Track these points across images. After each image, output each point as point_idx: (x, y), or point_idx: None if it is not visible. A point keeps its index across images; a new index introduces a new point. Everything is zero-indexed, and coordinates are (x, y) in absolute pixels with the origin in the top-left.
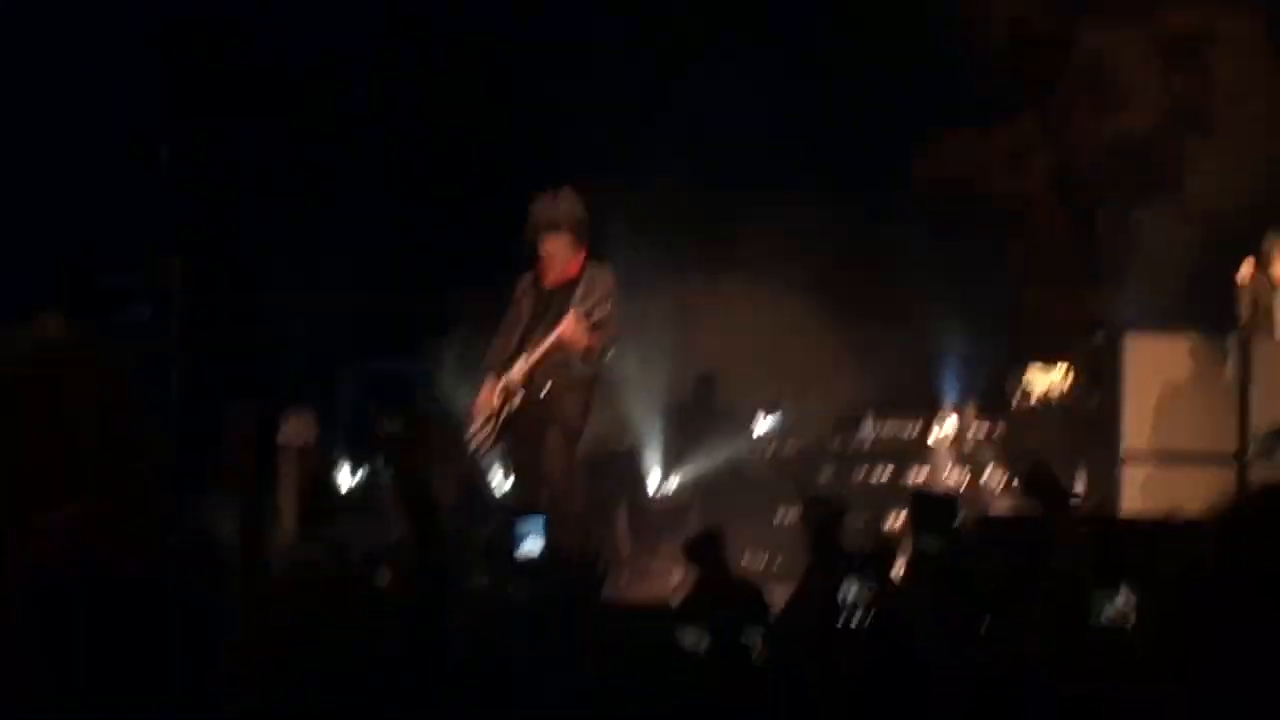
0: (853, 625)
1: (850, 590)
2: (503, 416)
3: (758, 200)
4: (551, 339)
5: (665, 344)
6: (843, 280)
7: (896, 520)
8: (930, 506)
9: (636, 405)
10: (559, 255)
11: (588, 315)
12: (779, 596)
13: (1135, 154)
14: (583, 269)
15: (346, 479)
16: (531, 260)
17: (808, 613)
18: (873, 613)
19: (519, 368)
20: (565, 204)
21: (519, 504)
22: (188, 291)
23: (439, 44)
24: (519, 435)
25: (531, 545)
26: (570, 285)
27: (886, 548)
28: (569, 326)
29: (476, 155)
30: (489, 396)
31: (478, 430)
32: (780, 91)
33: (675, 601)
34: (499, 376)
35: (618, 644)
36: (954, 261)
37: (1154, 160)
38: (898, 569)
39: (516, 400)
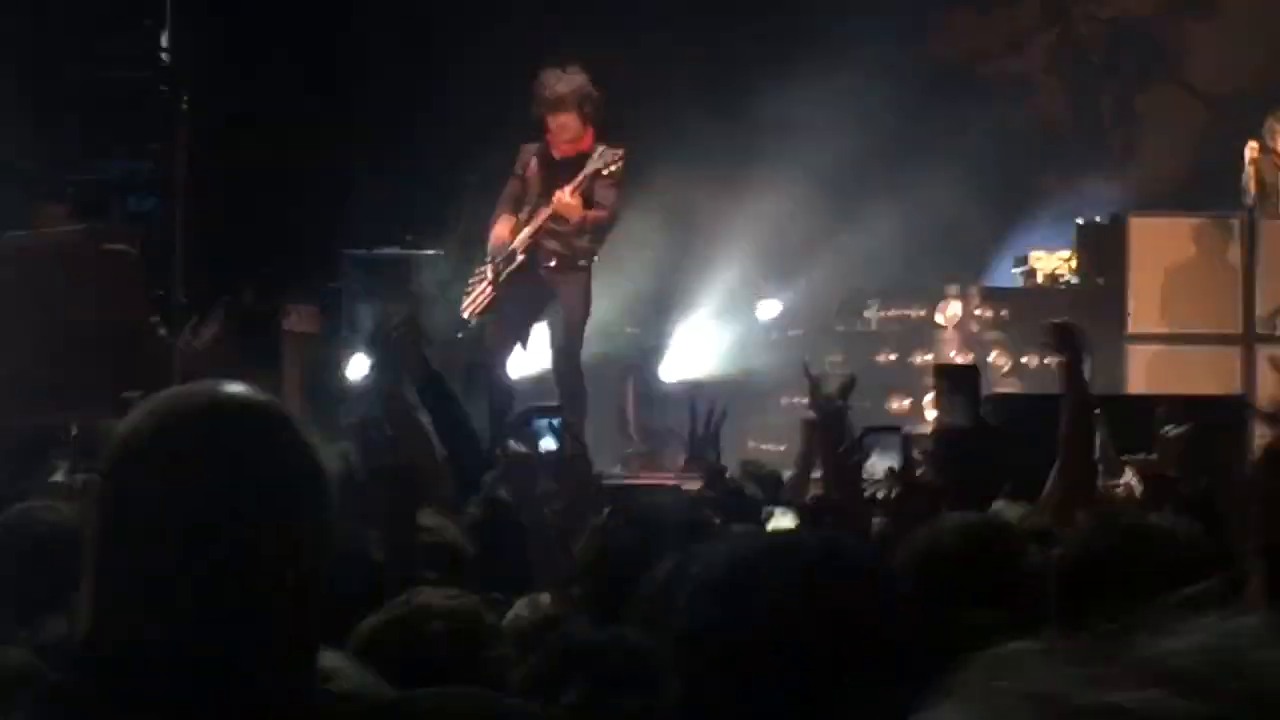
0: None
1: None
2: (501, 279)
3: (754, 85)
4: (548, 210)
5: (665, 230)
6: (844, 164)
7: (903, 402)
8: (956, 378)
9: (638, 292)
10: (566, 131)
11: (583, 191)
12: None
13: (1138, 36)
14: (592, 146)
15: (359, 369)
16: (540, 133)
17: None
18: (894, 490)
19: (521, 236)
20: (572, 80)
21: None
22: (191, 180)
23: None
24: (516, 302)
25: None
26: (580, 159)
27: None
28: (560, 198)
29: (481, 33)
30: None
31: (473, 296)
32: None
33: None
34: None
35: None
36: (955, 145)
37: (1156, 42)
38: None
39: (515, 264)
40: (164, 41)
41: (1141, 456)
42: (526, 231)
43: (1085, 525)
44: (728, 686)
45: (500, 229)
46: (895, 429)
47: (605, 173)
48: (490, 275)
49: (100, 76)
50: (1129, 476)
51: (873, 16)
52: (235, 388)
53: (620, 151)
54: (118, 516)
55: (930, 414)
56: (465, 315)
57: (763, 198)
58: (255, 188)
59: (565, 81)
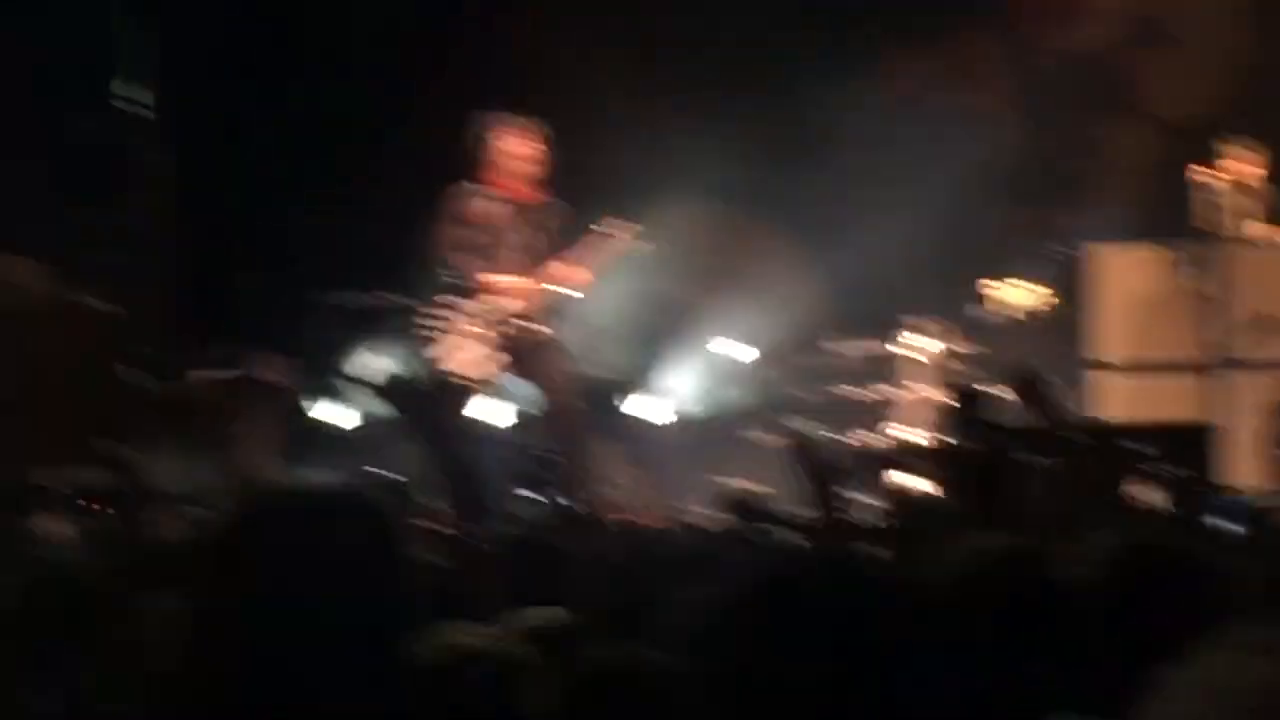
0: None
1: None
2: (512, 342)
3: (704, 122)
4: (565, 284)
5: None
6: (797, 201)
7: (867, 436)
8: (974, 402)
9: (603, 334)
10: (529, 184)
11: (547, 240)
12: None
13: (1097, 67)
14: (549, 199)
15: (337, 416)
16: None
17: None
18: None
19: (522, 300)
20: (534, 131)
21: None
22: (162, 230)
23: None
24: (521, 362)
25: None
26: (542, 210)
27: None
28: (581, 274)
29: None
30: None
31: (477, 358)
32: (725, 8)
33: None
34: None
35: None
36: (913, 178)
37: (1115, 73)
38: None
39: (532, 332)
40: (132, 92)
41: None
42: (533, 297)
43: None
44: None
45: (498, 284)
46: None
47: (562, 228)
48: (500, 338)
49: (68, 126)
50: None
51: (830, 50)
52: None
53: (637, 229)
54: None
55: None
56: (471, 378)
57: (715, 232)
58: (230, 237)
59: (526, 140)
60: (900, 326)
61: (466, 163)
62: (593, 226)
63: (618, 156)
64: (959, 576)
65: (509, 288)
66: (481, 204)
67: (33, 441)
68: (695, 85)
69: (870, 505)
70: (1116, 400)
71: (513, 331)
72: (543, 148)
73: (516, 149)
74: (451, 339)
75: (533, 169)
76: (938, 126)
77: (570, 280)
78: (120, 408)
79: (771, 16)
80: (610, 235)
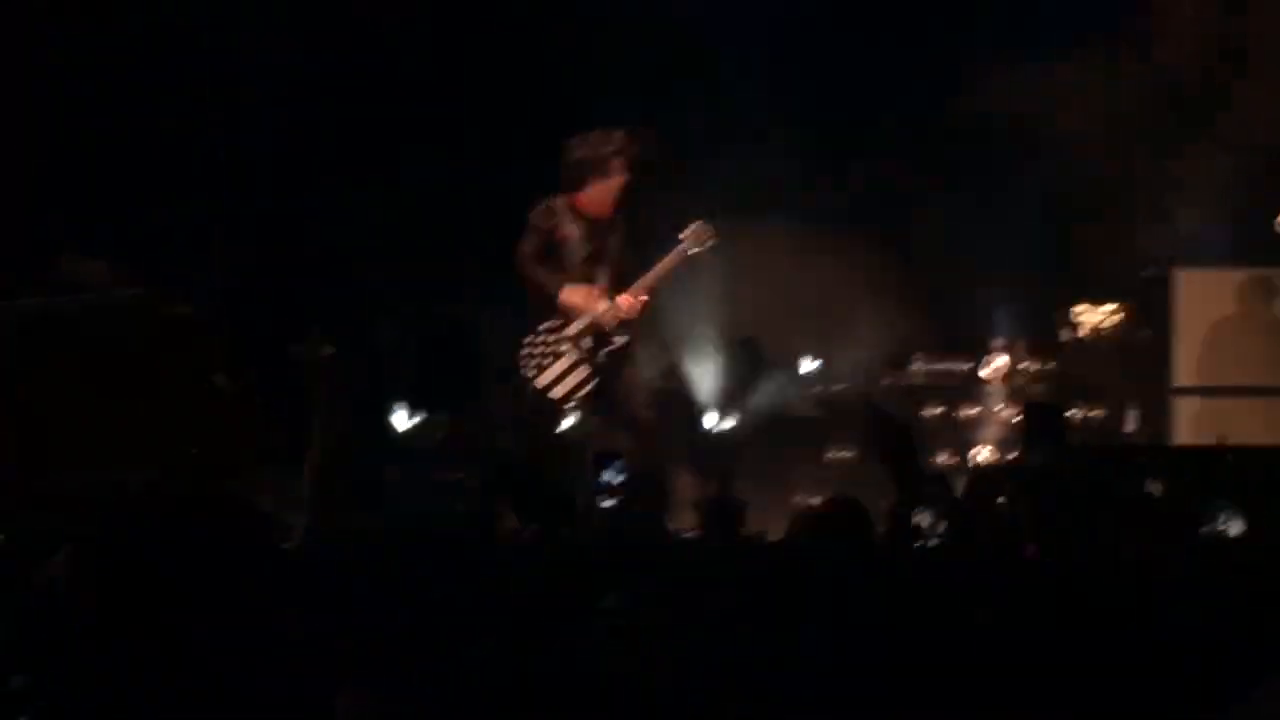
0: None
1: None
2: (598, 360)
3: (795, 141)
4: (644, 290)
5: (708, 289)
6: (890, 222)
7: (950, 457)
8: (1044, 416)
9: (681, 350)
10: (610, 195)
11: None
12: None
13: (1179, 90)
14: (630, 209)
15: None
16: (571, 186)
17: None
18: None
19: (610, 314)
20: (627, 144)
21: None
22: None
23: None
24: (604, 378)
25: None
26: (611, 222)
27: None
28: (662, 280)
29: (520, 99)
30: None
31: (561, 376)
32: (817, 26)
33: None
34: (579, 311)
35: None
36: (1000, 200)
37: (1197, 96)
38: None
39: (616, 347)
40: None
41: None
42: (624, 312)
43: None
44: None
45: (582, 299)
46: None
47: (693, 252)
48: (582, 354)
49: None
50: None
51: (913, 70)
52: None
53: (713, 230)
54: None
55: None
56: (558, 397)
57: (805, 252)
58: (305, 232)
59: (615, 144)
60: (987, 348)
61: (561, 176)
62: (678, 235)
63: (703, 167)
64: None
65: (588, 302)
66: (560, 217)
67: (117, 442)
68: (786, 104)
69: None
70: (1200, 425)
71: (594, 347)
72: (624, 158)
73: (596, 159)
74: (541, 358)
75: (613, 180)
76: (1028, 148)
77: (649, 289)
78: (209, 409)
79: (866, 35)
80: (690, 240)
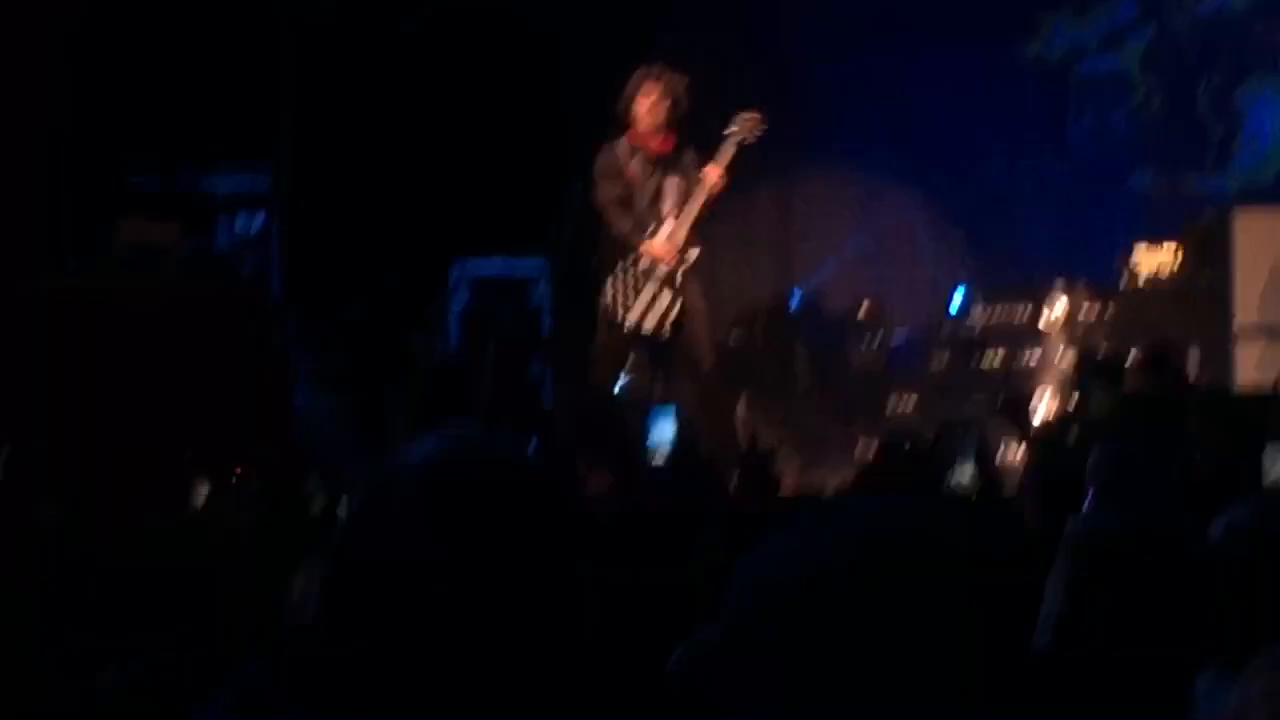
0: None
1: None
2: (678, 283)
3: (850, 83)
4: (703, 195)
5: (763, 236)
6: (944, 159)
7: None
8: (1102, 370)
9: (738, 298)
10: (659, 119)
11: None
12: None
13: (1234, 30)
14: (678, 144)
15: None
16: (620, 131)
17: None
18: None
19: (679, 232)
20: (665, 80)
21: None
22: (297, 195)
23: None
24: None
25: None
26: (675, 155)
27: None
28: (714, 175)
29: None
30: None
31: (651, 307)
32: None
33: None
34: (649, 257)
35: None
36: (1054, 142)
37: (1254, 35)
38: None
39: (691, 263)
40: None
41: None
42: (688, 229)
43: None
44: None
45: (655, 236)
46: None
47: (750, 141)
48: (662, 279)
49: (203, 90)
50: None
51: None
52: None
53: (759, 115)
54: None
55: (1038, 414)
56: (650, 327)
57: (860, 196)
58: (362, 201)
59: (658, 79)
60: (1045, 292)
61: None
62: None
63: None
64: None
65: (656, 243)
66: (614, 158)
67: (182, 415)
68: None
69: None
70: (1264, 367)
71: (670, 269)
72: (672, 95)
73: (645, 98)
74: (623, 293)
75: (663, 117)
76: (1080, 91)
77: (717, 189)
78: (271, 382)
79: None
80: (742, 130)
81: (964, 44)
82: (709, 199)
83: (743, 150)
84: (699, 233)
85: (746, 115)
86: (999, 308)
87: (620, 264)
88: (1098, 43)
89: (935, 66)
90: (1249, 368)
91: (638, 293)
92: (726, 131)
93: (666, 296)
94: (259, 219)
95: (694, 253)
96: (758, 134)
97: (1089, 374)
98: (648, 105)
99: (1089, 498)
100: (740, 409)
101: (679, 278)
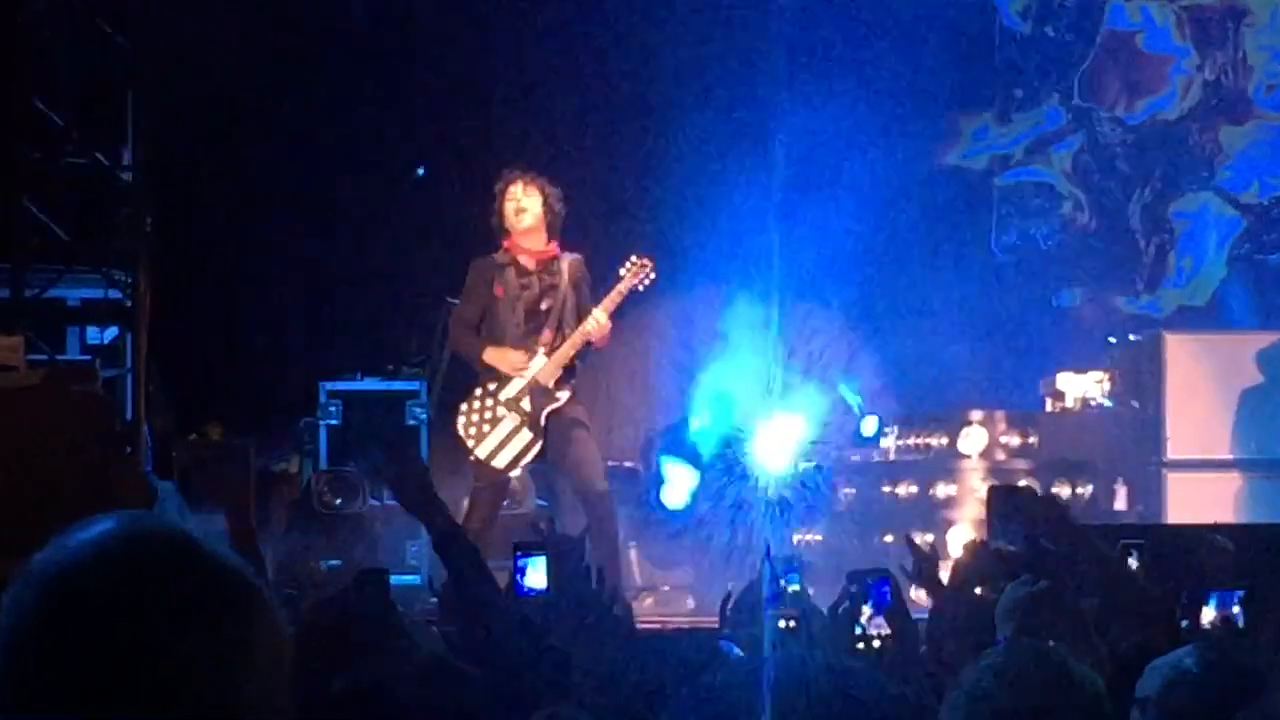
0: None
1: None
2: (541, 420)
3: (757, 201)
4: (582, 337)
5: (664, 354)
6: (857, 284)
7: (925, 537)
8: (1010, 500)
9: (637, 418)
10: (534, 229)
11: (557, 297)
12: None
13: (1167, 142)
14: (560, 253)
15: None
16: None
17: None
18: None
19: (548, 369)
20: (536, 175)
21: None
22: (154, 309)
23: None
24: (553, 443)
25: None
26: (552, 264)
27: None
28: (599, 322)
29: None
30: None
31: (497, 441)
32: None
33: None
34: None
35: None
36: (976, 261)
37: (1187, 148)
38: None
39: (557, 403)
40: (125, 159)
41: None
42: (554, 365)
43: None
44: None
45: (510, 358)
46: (884, 571)
47: (642, 289)
48: (522, 416)
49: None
50: None
51: (884, 122)
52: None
53: (651, 263)
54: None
55: (954, 549)
56: (502, 466)
57: (770, 318)
58: (223, 316)
59: (528, 190)
60: (962, 421)
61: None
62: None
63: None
64: None
65: (516, 358)
66: (484, 273)
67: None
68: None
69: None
70: (1195, 500)
71: (533, 408)
72: (542, 196)
73: (511, 201)
74: (476, 424)
75: (532, 222)
76: (1003, 202)
77: (601, 334)
78: (126, 493)
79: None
80: (630, 276)
81: (880, 149)
82: (589, 344)
83: (633, 295)
84: (571, 375)
85: (637, 260)
86: (913, 435)
87: (479, 389)
88: (1022, 151)
89: (847, 174)
90: (1181, 501)
91: (493, 425)
92: (619, 275)
93: (526, 437)
94: (111, 330)
95: (564, 395)
96: (648, 282)
97: (997, 508)
98: (514, 209)
99: (999, 641)
100: (630, 545)
101: (542, 419)
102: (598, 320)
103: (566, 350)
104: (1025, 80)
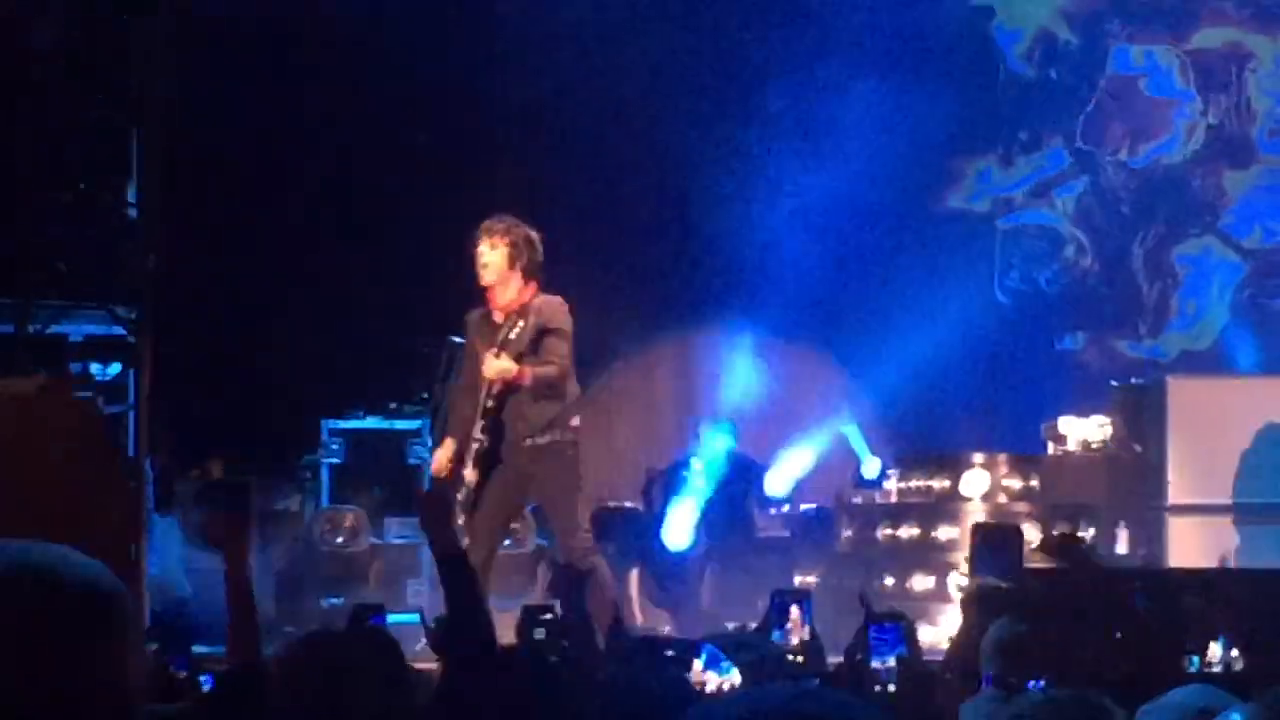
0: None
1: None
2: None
3: (759, 243)
4: (485, 386)
5: (667, 396)
6: (862, 329)
7: (927, 581)
8: (995, 538)
9: (639, 460)
10: (499, 283)
11: (513, 345)
12: None
13: (1171, 186)
14: (533, 299)
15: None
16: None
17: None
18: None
19: (478, 424)
20: (502, 227)
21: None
22: (158, 346)
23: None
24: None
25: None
26: (520, 311)
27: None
28: (488, 365)
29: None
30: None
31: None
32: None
33: None
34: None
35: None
36: (979, 303)
37: (1191, 192)
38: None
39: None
40: (130, 197)
41: None
42: (485, 409)
43: None
44: None
45: (437, 457)
46: (899, 616)
47: (551, 327)
48: (475, 461)
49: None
50: None
51: (888, 164)
52: None
53: (559, 304)
54: None
55: (954, 593)
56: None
57: (774, 360)
58: (227, 354)
59: (492, 243)
60: (964, 464)
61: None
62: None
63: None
64: None
65: (440, 457)
66: (471, 325)
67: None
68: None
69: None
70: (1197, 545)
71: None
72: (508, 242)
73: (479, 254)
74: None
75: (498, 276)
76: (1006, 246)
77: (497, 375)
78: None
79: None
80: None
81: (883, 192)
82: (507, 386)
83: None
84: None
85: (545, 301)
86: (915, 478)
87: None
88: (1025, 194)
89: (850, 216)
90: (1182, 545)
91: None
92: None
93: (473, 478)
94: (114, 367)
95: (483, 440)
96: (560, 321)
97: (980, 548)
98: (479, 266)
99: (984, 681)
100: (631, 582)
101: (468, 460)
102: (487, 363)
103: (489, 394)
104: (1029, 124)
